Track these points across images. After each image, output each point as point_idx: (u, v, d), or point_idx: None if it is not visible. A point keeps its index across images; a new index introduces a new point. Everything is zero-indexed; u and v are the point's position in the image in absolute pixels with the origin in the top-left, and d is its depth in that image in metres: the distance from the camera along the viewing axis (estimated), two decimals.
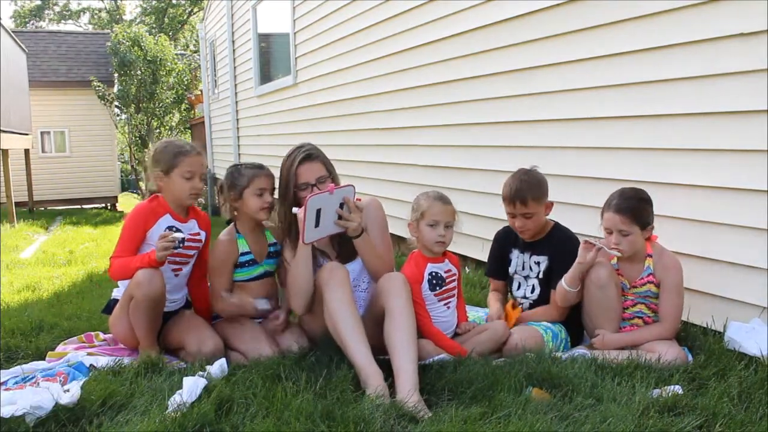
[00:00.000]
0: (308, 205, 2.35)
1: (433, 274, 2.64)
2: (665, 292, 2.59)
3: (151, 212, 2.74)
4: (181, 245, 2.69)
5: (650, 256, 2.62)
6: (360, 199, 2.56)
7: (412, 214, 2.68)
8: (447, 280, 2.67)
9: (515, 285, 2.93)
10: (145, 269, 2.55)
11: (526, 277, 2.89)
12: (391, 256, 2.78)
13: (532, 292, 2.86)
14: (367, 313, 2.56)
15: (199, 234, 2.84)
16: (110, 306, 2.86)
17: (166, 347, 2.78)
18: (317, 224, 2.42)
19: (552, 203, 2.84)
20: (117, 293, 2.85)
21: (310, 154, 2.64)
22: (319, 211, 2.40)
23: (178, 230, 2.74)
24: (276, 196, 2.81)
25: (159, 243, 2.54)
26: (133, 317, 2.63)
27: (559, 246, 2.79)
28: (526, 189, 2.74)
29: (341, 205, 2.47)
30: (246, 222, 2.81)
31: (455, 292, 2.73)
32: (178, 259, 2.75)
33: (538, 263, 2.84)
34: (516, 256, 2.93)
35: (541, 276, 2.83)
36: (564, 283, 2.65)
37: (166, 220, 2.75)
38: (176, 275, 2.79)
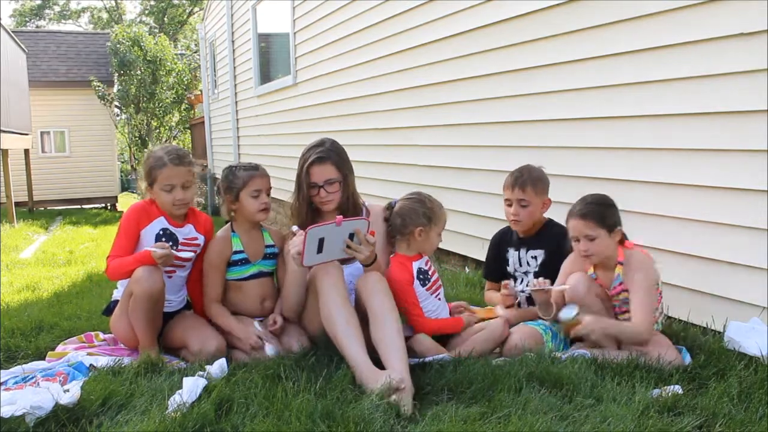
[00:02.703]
0: (309, 233, 2.37)
1: (419, 269, 2.68)
2: (631, 292, 2.48)
3: (145, 212, 2.74)
4: (174, 248, 2.69)
5: (621, 263, 2.54)
6: (374, 233, 2.57)
7: (424, 221, 2.65)
8: (430, 273, 2.71)
9: (516, 281, 2.93)
10: (144, 266, 2.56)
11: (525, 273, 2.90)
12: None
13: (528, 285, 2.87)
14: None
15: (196, 239, 2.82)
16: (110, 308, 2.86)
17: (168, 347, 2.78)
18: (319, 251, 2.43)
19: (550, 201, 2.85)
20: (117, 294, 2.84)
21: (320, 157, 2.69)
22: (321, 240, 2.41)
23: (171, 234, 2.74)
24: (273, 196, 2.83)
25: (156, 251, 2.54)
26: (132, 314, 2.62)
27: (555, 239, 2.83)
28: (527, 177, 2.80)
29: (351, 236, 2.47)
30: (243, 223, 2.81)
31: (440, 282, 2.77)
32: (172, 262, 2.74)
33: (534, 257, 2.87)
34: (512, 255, 2.94)
35: (537, 269, 2.85)
36: (539, 313, 2.66)
37: (160, 222, 2.75)
38: (170, 277, 2.77)
